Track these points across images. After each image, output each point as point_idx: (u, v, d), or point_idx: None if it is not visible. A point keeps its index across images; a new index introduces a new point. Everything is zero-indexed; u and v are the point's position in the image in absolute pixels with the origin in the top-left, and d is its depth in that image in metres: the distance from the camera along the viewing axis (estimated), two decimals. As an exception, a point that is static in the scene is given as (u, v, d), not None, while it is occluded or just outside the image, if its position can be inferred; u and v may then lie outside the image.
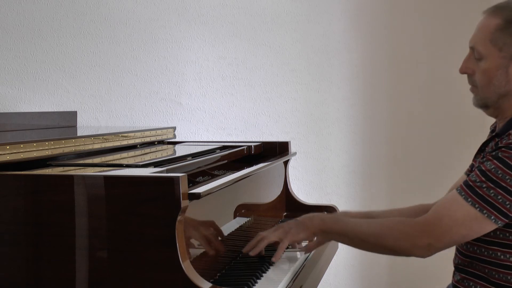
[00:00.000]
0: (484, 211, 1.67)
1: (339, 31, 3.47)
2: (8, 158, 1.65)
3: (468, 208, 1.68)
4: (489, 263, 1.77)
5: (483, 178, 1.68)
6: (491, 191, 1.67)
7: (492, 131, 1.92)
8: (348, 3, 3.47)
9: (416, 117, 3.51)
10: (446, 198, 1.77)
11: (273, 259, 1.84)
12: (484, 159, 1.74)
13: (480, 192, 1.68)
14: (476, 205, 1.68)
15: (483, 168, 1.70)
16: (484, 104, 1.84)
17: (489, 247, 1.76)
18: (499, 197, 1.66)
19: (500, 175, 1.66)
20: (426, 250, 1.73)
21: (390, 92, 3.51)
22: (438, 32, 3.48)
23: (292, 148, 2.74)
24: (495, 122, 1.92)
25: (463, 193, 1.70)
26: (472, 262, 1.81)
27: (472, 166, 1.92)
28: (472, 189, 1.69)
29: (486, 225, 1.69)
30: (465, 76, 1.86)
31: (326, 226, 1.86)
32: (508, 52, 1.76)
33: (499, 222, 1.68)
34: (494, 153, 1.71)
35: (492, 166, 1.68)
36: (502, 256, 1.74)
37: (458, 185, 1.75)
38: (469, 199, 1.68)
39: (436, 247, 1.72)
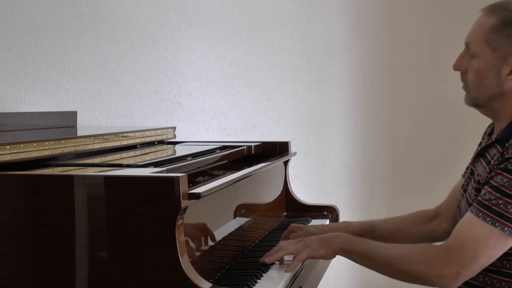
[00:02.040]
0: (506, 229, 1.60)
1: (339, 31, 3.47)
2: (8, 158, 1.64)
3: (489, 228, 1.61)
4: (490, 272, 1.71)
5: (498, 194, 1.62)
6: (509, 207, 1.60)
7: (489, 133, 1.87)
8: (348, 3, 3.46)
9: (416, 117, 3.51)
10: (463, 221, 1.68)
11: (287, 270, 1.78)
12: (493, 173, 1.68)
13: (497, 209, 1.61)
14: (497, 224, 1.61)
15: (495, 184, 1.64)
16: (474, 104, 1.80)
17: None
18: None
19: None
20: (453, 280, 1.65)
21: (390, 92, 3.50)
22: (438, 32, 3.48)
23: (292, 148, 2.74)
24: (492, 124, 1.89)
25: (480, 214, 1.63)
26: None
27: (472, 171, 1.84)
28: (489, 207, 1.63)
29: (509, 242, 1.63)
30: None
31: (349, 246, 1.78)
32: (501, 53, 1.72)
33: None
34: (502, 165, 1.65)
35: (505, 180, 1.62)
36: (507, 265, 1.70)
37: (472, 207, 1.68)
38: (488, 219, 1.62)
39: (464, 275, 1.65)
